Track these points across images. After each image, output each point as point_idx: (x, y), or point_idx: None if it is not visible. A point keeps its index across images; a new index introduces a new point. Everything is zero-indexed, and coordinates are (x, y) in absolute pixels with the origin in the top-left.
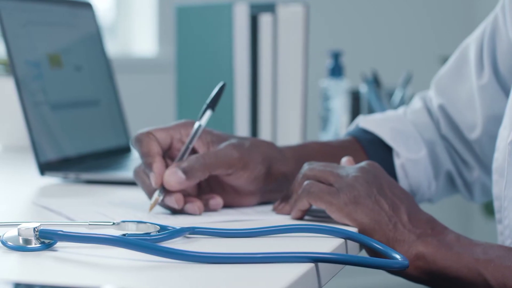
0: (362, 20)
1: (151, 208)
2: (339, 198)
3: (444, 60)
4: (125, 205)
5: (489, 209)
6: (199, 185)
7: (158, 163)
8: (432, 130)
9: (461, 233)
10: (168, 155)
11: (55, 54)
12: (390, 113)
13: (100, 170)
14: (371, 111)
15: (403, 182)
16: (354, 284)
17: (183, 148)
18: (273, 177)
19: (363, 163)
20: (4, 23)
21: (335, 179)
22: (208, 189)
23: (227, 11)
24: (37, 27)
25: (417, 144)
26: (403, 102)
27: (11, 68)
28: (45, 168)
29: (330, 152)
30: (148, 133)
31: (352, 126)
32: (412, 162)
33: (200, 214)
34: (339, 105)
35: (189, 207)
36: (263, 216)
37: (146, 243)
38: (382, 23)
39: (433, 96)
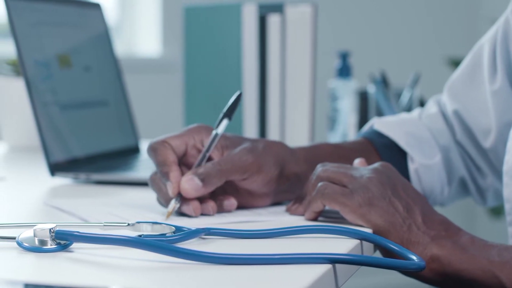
0: (370, 20)
1: (168, 216)
2: (353, 199)
3: (451, 61)
4: (137, 206)
5: (494, 210)
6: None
7: (174, 172)
8: (447, 136)
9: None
10: (182, 162)
11: (64, 54)
12: (405, 116)
13: (110, 170)
14: (379, 111)
15: (416, 187)
16: (362, 284)
17: (200, 157)
18: (286, 178)
19: (376, 164)
20: (14, 23)
21: (349, 180)
22: (222, 190)
23: (235, 12)
24: (46, 27)
25: (432, 150)
26: (411, 102)
27: (21, 68)
28: (55, 168)
29: (343, 154)
30: (163, 142)
31: (366, 128)
32: (426, 167)
33: (213, 214)
34: (347, 106)
35: (203, 207)
36: (277, 217)
37: (163, 244)
38: (390, 24)
39: (447, 101)
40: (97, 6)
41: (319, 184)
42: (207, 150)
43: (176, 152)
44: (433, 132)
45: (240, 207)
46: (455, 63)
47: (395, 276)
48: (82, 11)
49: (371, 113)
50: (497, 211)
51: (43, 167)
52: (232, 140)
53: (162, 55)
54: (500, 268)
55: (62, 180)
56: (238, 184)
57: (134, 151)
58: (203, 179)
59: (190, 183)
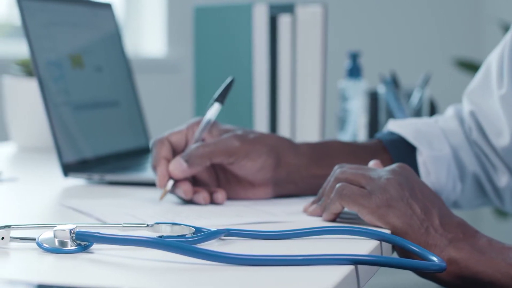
0: (380, 21)
1: (161, 197)
2: (371, 201)
3: (458, 62)
4: (153, 206)
5: (500, 211)
6: (217, 177)
7: (161, 166)
8: (460, 136)
9: None
10: None
11: (77, 55)
12: (421, 119)
13: (123, 171)
14: (389, 112)
15: (425, 180)
16: (372, 283)
17: (192, 141)
18: (283, 168)
19: (394, 166)
20: (27, 23)
21: (367, 181)
22: (225, 181)
23: (246, 12)
24: (58, 27)
25: (441, 144)
26: (421, 103)
27: (34, 68)
28: (68, 169)
29: (352, 151)
30: (162, 139)
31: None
32: (434, 158)
33: (205, 204)
34: (357, 106)
35: (195, 197)
36: (294, 218)
37: (185, 245)
38: (400, 24)
39: (464, 104)
40: (108, 6)
41: (338, 185)
42: (199, 134)
43: (175, 146)
44: (445, 131)
45: (244, 198)
46: (462, 64)
47: (408, 277)
48: (93, 11)
49: (381, 113)
50: (504, 212)
51: (55, 167)
52: (228, 129)
53: (167, 55)
54: None
55: (75, 181)
56: (229, 169)
57: (145, 151)
58: (187, 160)
59: (177, 165)
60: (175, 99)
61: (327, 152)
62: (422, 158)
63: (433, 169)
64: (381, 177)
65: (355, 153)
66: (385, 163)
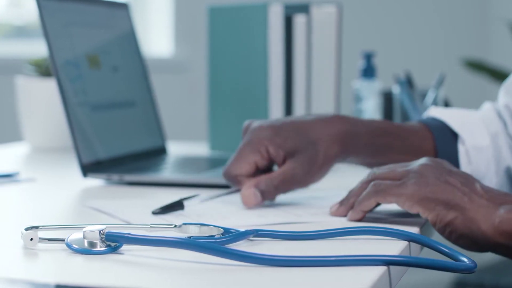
0: (394, 21)
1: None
2: (407, 188)
3: (467, 62)
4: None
5: None
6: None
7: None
8: (497, 125)
9: None
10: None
11: (94, 55)
12: (461, 109)
13: (142, 171)
14: (403, 112)
15: (465, 170)
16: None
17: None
18: (353, 149)
19: (424, 158)
20: (46, 23)
21: (401, 174)
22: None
23: (262, 12)
24: (76, 27)
25: (482, 135)
26: (435, 103)
27: (53, 68)
28: (87, 169)
29: (398, 133)
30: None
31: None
32: (476, 149)
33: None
34: (372, 106)
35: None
36: (318, 218)
37: (217, 246)
38: (414, 24)
39: (500, 97)
40: (124, 6)
41: (372, 183)
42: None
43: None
44: (484, 120)
45: None
46: (471, 65)
47: (425, 276)
48: (110, 11)
49: (396, 114)
50: None
51: (72, 167)
52: (288, 148)
53: (174, 55)
54: None
55: (93, 181)
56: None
57: (161, 152)
58: (262, 194)
59: (253, 198)
60: (182, 99)
61: (379, 131)
62: (464, 148)
63: (475, 159)
64: (414, 167)
65: (401, 135)
66: (428, 148)
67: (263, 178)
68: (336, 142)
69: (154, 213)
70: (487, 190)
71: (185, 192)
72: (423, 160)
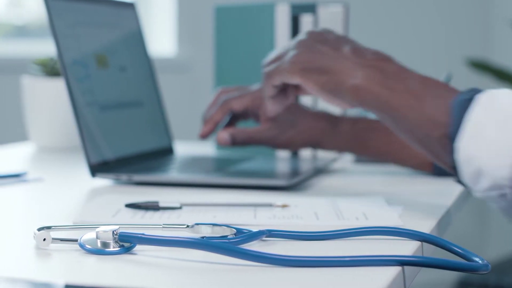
0: (399, 21)
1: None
2: (286, 64)
3: (472, 62)
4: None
5: None
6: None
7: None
8: None
9: (478, 235)
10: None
11: (102, 55)
12: None
13: (150, 171)
14: None
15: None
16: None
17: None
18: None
19: (301, 33)
20: (54, 23)
21: (281, 54)
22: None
23: (268, 12)
24: (84, 27)
25: None
26: None
27: (61, 68)
28: (96, 169)
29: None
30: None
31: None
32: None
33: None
34: None
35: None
36: (324, 222)
37: (231, 246)
38: (421, 24)
39: None
40: (131, 6)
41: (263, 71)
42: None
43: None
44: None
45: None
46: (475, 64)
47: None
48: (117, 11)
49: None
50: None
51: (79, 167)
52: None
53: (177, 55)
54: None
55: (102, 181)
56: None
57: (168, 151)
58: (232, 138)
59: (223, 138)
60: (185, 99)
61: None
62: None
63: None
64: (291, 44)
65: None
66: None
67: (239, 129)
68: (312, 136)
69: (127, 205)
70: (357, 53)
71: (193, 192)
72: (300, 36)
